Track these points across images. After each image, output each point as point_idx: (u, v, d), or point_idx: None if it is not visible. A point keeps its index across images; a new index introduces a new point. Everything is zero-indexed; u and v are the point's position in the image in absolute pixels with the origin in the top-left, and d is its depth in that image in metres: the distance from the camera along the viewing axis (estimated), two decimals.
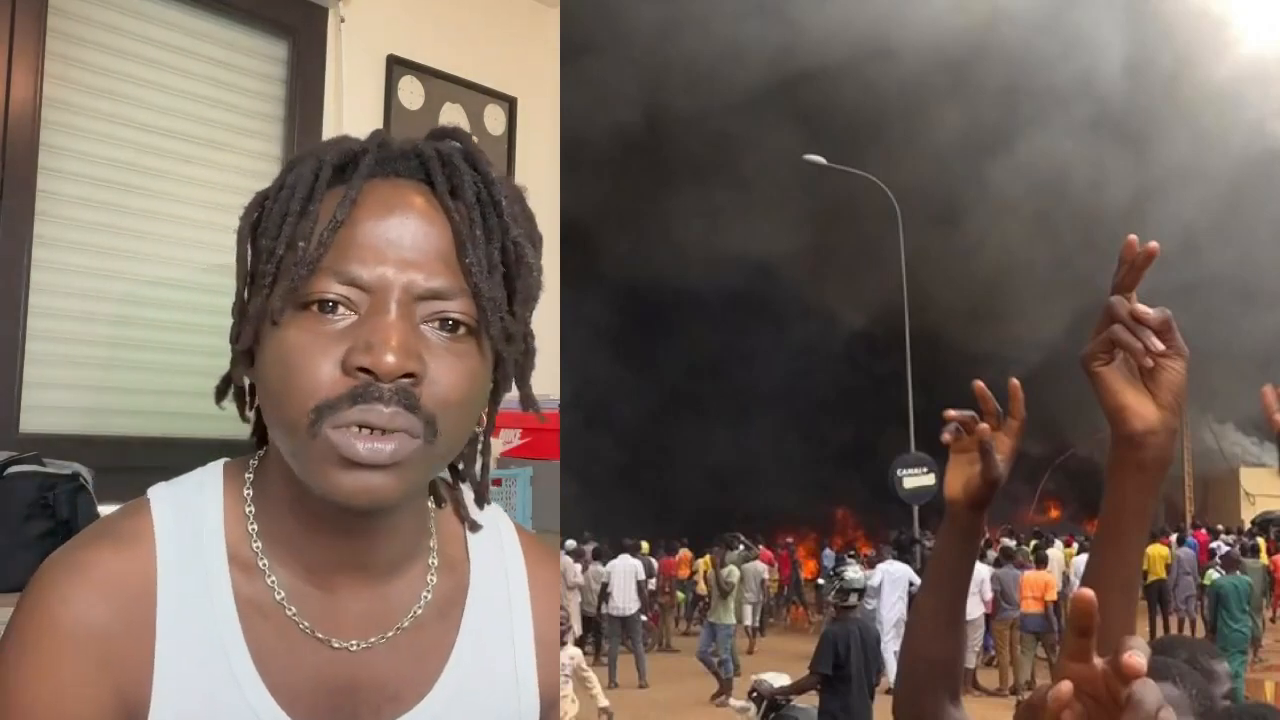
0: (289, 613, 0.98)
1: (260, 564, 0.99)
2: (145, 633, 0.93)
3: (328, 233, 0.89)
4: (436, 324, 0.91)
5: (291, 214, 0.91)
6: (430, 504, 1.10)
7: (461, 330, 0.92)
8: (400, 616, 1.03)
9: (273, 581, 0.98)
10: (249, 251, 0.96)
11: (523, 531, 1.18)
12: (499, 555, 1.13)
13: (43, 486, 2.02)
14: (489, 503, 1.13)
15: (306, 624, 0.99)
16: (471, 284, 0.91)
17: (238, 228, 0.97)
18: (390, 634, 1.02)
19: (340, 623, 1.00)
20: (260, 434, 1.06)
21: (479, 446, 1.09)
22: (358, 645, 1.01)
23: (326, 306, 0.89)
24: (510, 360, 0.99)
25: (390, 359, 0.86)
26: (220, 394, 1.05)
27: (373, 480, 0.88)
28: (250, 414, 1.05)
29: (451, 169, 0.95)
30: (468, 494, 1.15)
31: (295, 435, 0.89)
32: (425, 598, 1.05)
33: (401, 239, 0.90)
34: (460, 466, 1.10)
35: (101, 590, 0.92)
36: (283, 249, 0.90)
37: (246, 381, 1.01)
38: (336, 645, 1.00)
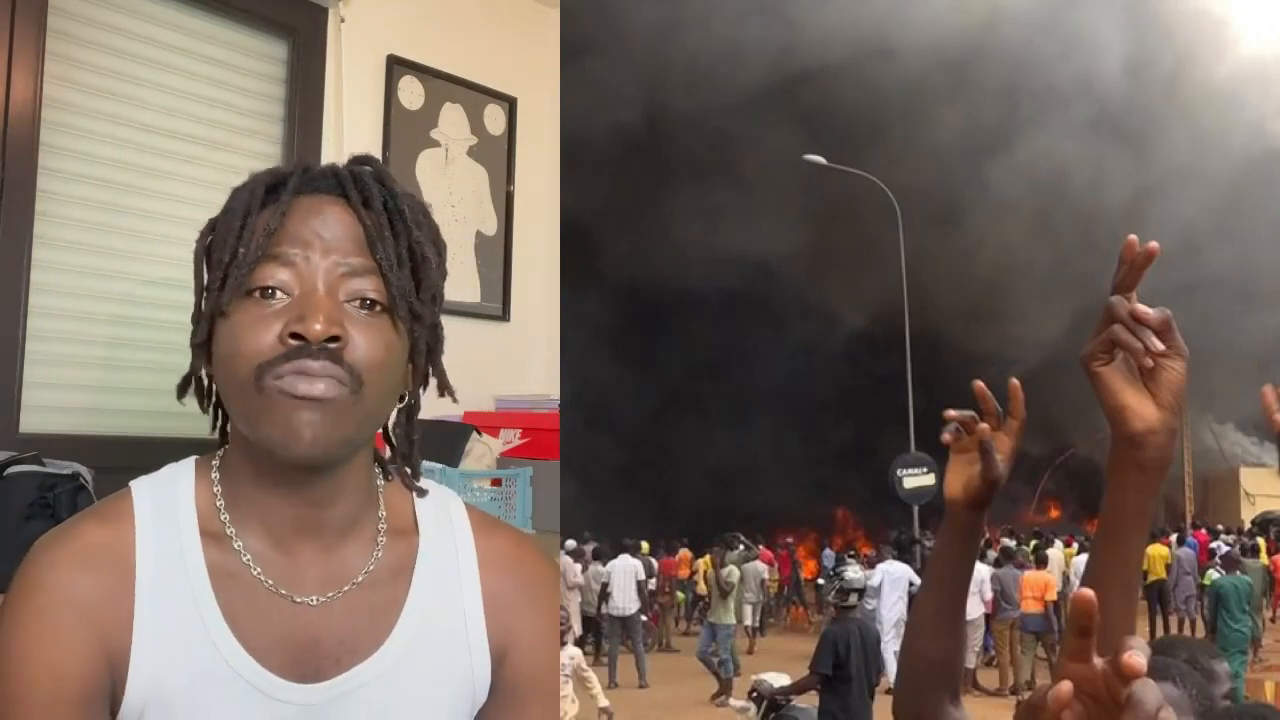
0: (255, 573, 1.13)
1: (228, 533, 1.14)
2: (125, 597, 1.08)
3: (263, 237, 1.08)
4: (357, 303, 1.09)
5: (233, 230, 1.10)
6: (379, 479, 1.24)
7: (378, 309, 1.10)
8: (354, 575, 1.17)
9: (240, 547, 1.13)
10: (204, 268, 1.14)
11: (474, 510, 1.31)
12: (448, 527, 1.26)
13: (42, 486, 2.02)
14: (419, 478, 1.28)
15: (271, 582, 1.13)
16: (383, 274, 1.10)
17: (194, 249, 1.15)
18: (346, 589, 1.16)
19: (302, 582, 1.14)
20: (223, 430, 1.21)
21: (410, 430, 1.24)
22: (317, 599, 1.14)
23: (266, 293, 1.07)
24: (421, 340, 1.15)
25: (318, 325, 1.04)
26: (181, 390, 1.20)
27: (309, 415, 1.04)
28: (210, 407, 1.20)
29: (362, 185, 1.14)
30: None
31: (243, 393, 1.05)
32: (376, 557, 1.19)
33: (324, 231, 1.10)
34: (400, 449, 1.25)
35: (85, 558, 1.08)
36: (228, 257, 1.08)
37: (206, 379, 1.17)
38: (299, 600, 1.14)
